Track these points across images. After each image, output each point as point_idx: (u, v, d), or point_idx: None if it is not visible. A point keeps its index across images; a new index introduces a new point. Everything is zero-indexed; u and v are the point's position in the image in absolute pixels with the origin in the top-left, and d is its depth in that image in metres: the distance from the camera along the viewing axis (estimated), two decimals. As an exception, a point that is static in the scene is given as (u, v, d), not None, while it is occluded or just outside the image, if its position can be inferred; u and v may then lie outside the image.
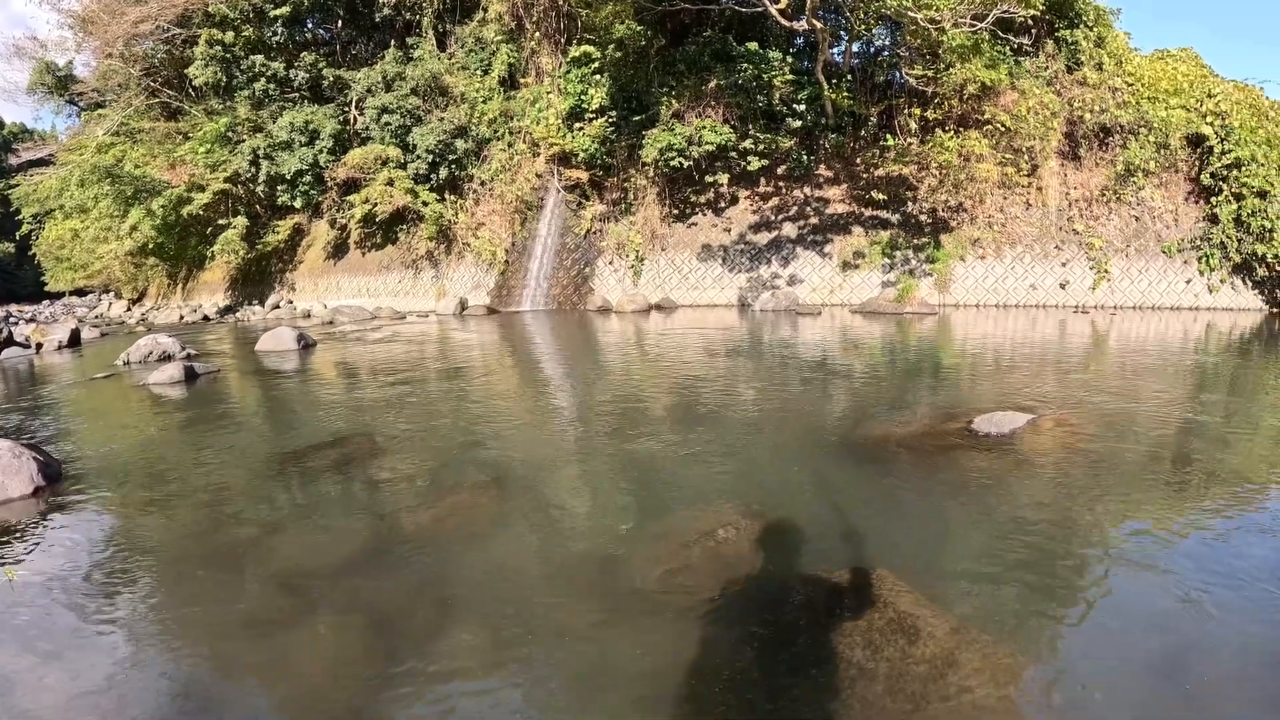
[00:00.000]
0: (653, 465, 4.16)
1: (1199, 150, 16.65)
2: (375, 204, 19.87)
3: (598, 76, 18.10)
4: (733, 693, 2.07)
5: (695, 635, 2.33)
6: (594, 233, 17.17)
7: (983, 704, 2.05)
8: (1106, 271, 15.61)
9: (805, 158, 16.10)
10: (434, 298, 19.72)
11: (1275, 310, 15.13)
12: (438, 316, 17.35)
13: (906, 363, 8.78)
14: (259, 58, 21.89)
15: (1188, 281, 16.05)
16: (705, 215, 16.36)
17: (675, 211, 16.55)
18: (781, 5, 16.49)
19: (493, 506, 3.53)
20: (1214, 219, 16.24)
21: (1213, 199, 16.35)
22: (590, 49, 18.01)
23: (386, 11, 21.83)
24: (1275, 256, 15.41)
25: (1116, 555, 3.07)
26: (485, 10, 20.42)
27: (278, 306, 22.18)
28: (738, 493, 3.65)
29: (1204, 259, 16.22)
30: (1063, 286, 15.35)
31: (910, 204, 15.69)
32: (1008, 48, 16.38)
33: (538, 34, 19.61)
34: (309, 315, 18.93)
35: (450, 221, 19.67)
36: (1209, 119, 16.85)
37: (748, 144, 16.13)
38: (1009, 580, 2.81)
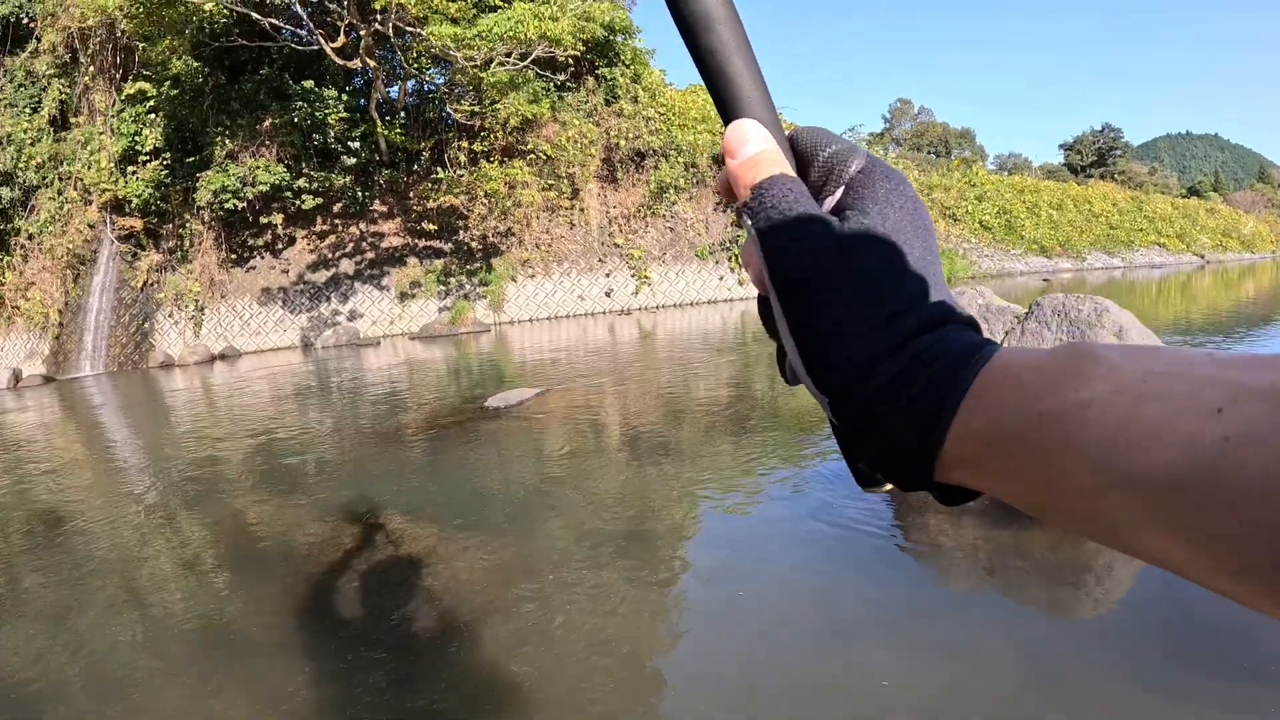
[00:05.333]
0: (242, 505, 4.52)
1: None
2: (-92, 270, 17.09)
3: (153, 116, 17.20)
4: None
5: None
6: (151, 284, 16.25)
7: (464, 576, 2.97)
8: (647, 277, 17.93)
9: (360, 194, 16.56)
10: (-15, 372, 17.40)
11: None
12: (-11, 393, 15.37)
13: (450, 370, 9.99)
14: None
15: (720, 279, 18.97)
16: (263, 258, 16.21)
17: (233, 256, 16.19)
18: (338, 44, 16.81)
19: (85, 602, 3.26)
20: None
21: (737, 207, 19.45)
22: (146, 86, 17.07)
23: (-78, 44, 18.87)
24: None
25: (597, 472, 4.32)
26: (39, 40, 18.45)
27: None
28: (342, 501, 4.31)
29: (734, 258, 19.26)
30: (608, 294, 17.35)
31: (462, 232, 16.79)
32: (550, 84, 18.15)
33: (92, 68, 18.12)
34: None
35: (-4, 284, 17.49)
36: (733, 140, 20.00)
37: (301, 183, 16.21)
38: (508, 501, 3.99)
